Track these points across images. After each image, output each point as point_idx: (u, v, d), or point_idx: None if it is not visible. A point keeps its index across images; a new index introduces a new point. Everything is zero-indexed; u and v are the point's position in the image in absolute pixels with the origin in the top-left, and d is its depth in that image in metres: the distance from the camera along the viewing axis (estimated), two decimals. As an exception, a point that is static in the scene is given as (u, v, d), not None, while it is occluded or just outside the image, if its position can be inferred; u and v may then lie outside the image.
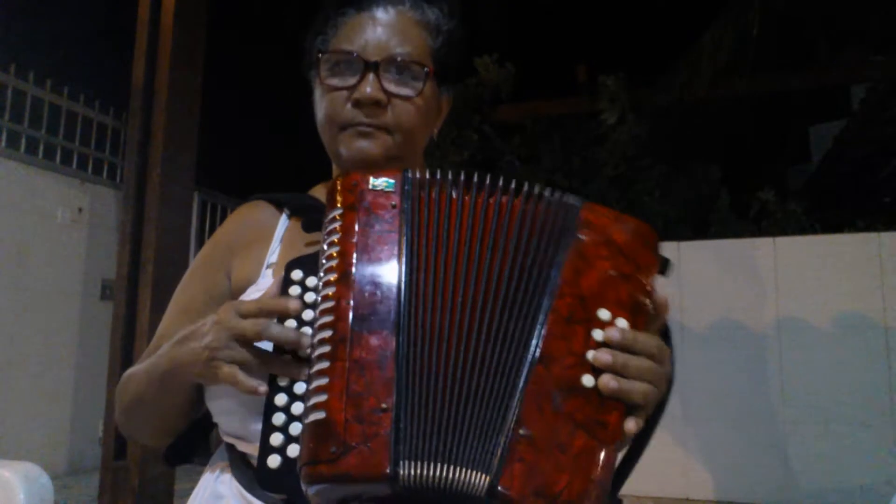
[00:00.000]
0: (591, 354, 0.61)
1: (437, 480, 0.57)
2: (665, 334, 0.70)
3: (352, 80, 0.79)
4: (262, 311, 0.65)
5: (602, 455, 0.58)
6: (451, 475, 0.57)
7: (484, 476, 0.57)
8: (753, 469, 3.74)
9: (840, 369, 3.66)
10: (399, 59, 0.79)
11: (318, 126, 0.85)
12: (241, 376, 0.64)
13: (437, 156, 5.45)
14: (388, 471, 0.56)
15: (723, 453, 3.80)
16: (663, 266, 0.69)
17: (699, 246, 4.11)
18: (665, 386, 0.66)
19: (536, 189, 0.69)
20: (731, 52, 4.44)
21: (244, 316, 0.65)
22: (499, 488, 0.56)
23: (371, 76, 0.78)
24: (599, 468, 0.58)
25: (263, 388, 0.64)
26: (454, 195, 0.68)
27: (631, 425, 0.61)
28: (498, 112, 5.84)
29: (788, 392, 3.75)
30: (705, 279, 3.95)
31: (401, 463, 0.56)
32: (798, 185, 7.34)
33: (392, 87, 0.79)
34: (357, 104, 0.79)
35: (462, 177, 0.69)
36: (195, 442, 0.83)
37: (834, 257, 3.79)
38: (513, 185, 0.69)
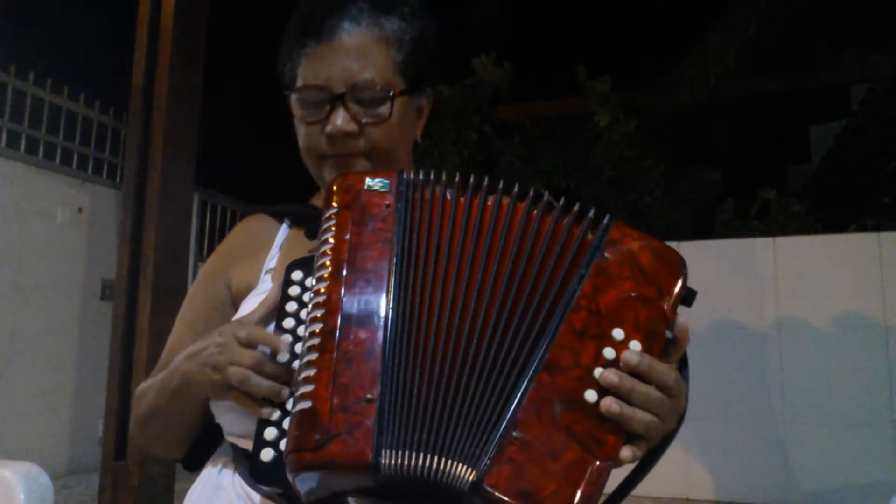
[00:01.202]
0: (598, 371, 0.61)
1: (420, 470, 0.57)
2: (682, 366, 0.70)
3: (322, 114, 0.81)
4: (257, 341, 0.67)
5: (594, 470, 0.58)
6: (435, 466, 0.57)
7: (470, 470, 0.57)
8: (753, 469, 3.74)
9: (840, 369, 3.66)
10: (364, 86, 0.80)
11: (300, 154, 0.86)
12: (247, 399, 0.66)
13: (436, 156, 5.45)
14: (370, 459, 0.56)
15: (723, 453, 3.80)
16: (689, 296, 0.69)
17: (699, 246, 4.11)
18: (675, 422, 0.66)
19: (544, 197, 0.69)
20: (735, 54, 4.44)
21: (241, 342, 0.67)
22: (484, 485, 0.56)
23: (340, 109, 0.80)
24: (589, 483, 0.57)
25: (267, 410, 0.65)
26: (449, 196, 0.69)
27: (627, 454, 0.60)
28: (497, 112, 5.84)
29: (788, 392, 3.75)
30: (705, 279, 3.95)
31: (383, 452, 0.57)
32: (798, 185, 7.33)
33: (361, 116, 0.80)
34: (330, 137, 0.80)
35: (457, 178, 0.70)
36: (212, 446, 0.85)
37: (834, 257, 3.79)
38: (515, 189, 0.69)
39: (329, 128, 0.80)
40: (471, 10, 5.97)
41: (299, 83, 0.82)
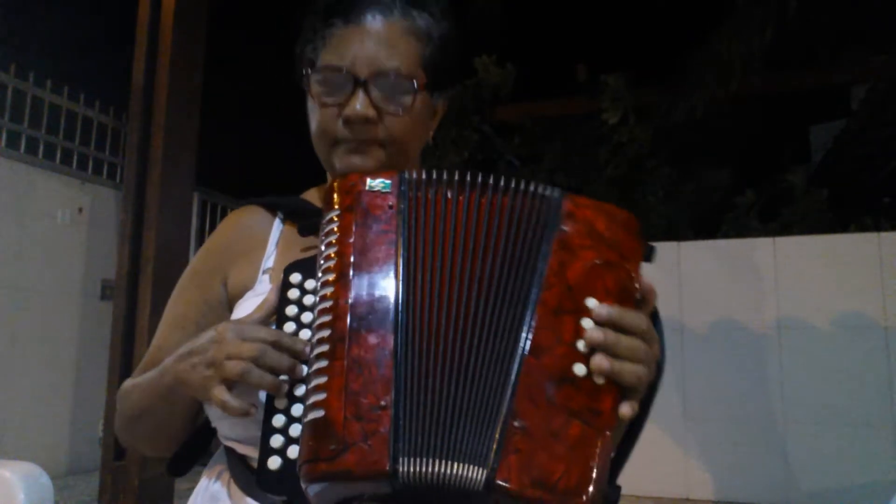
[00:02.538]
0: (580, 344, 0.61)
1: (436, 476, 0.57)
2: (654, 320, 0.70)
3: (341, 97, 0.79)
4: (264, 336, 0.65)
5: (598, 442, 0.59)
6: (449, 471, 0.57)
7: (481, 470, 0.57)
8: (753, 469, 3.74)
9: (840, 369, 3.66)
10: (388, 74, 0.78)
11: (311, 137, 0.84)
12: (230, 400, 0.64)
13: (437, 156, 5.45)
14: (387, 468, 0.56)
15: (723, 453, 3.80)
16: (648, 252, 0.69)
17: (699, 246, 4.11)
18: (654, 369, 0.66)
19: (521, 185, 0.69)
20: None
21: (245, 339, 0.65)
22: (497, 481, 0.56)
23: (361, 93, 0.78)
24: (596, 456, 0.58)
25: (253, 410, 0.64)
26: (449, 195, 0.69)
27: (626, 409, 0.61)
28: (498, 112, 5.84)
29: (788, 392, 3.75)
30: (705, 279, 3.95)
31: (400, 460, 0.57)
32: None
33: (382, 103, 0.78)
34: (347, 121, 0.79)
35: (457, 176, 0.69)
36: (197, 451, 0.83)
37: (834, 257, 3.79)
38: (502, 183, 0.69)
39: (348, 111, 0.78)
40: (471, 10, 5.98)
41: (321, 63, 0.80)
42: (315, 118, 0.82)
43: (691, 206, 5.31)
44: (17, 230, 3.88)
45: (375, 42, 0.78)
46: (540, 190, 0.69)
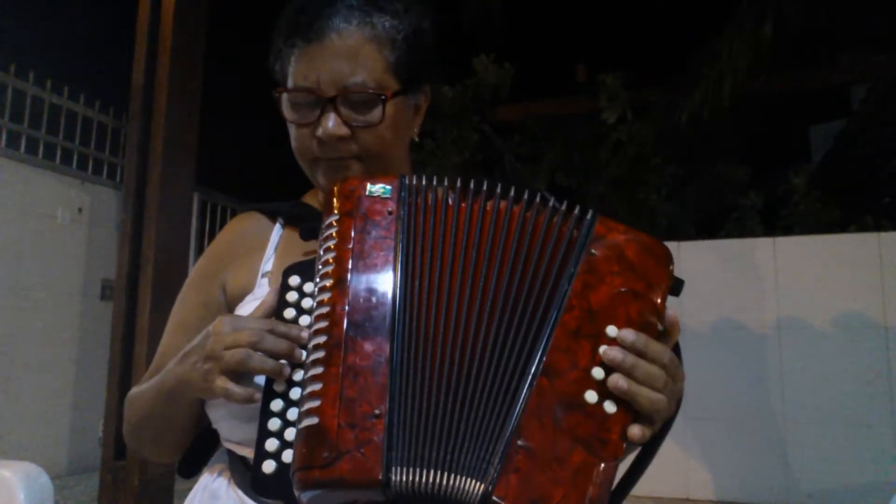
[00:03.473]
0: (596, 370, 0.60)
1: (430, 487, 0.57)
2: (675, 355, 0.69)
3: (312, 117, 0.78)
4: (259, 325, 0.66)
5: (600, 472, 0.58)
6: (445, 482, 0.57)
7: (479, 484, 0.56)
8: (753, 469, 3.74)
9: (840, 369, 3.66)
10: (355, 89, 0.77)
11: (293, 152, 0.84)
12: (234, 388, 0.64)
13: (438, 156, 5.45)
14: (380, 477, 0.56)
15: (723, 453, 3.80)
16: (676, 286, 0.68)
17: (699, 246, 4.11)
18: (674, 404, 0.65)
19: (538, 197, 0.68)
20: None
21: (241, 329, 0.66)
22: (493, 497, 0.55)
23: (331, 113, 0.77)
24: (597, 485, 0.57)
25: (258, 395, 0.64)
26: (450, 201, 0.68)
27: (635, 431, 0.60)
28: (498, 112, 5.84)
29: (788, 392, 3.75)
30: (705, 279, 3.95)
31: (393, 469, 0.56)
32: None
33: (353, 119, 0.78)
34: (321, 141, 0.78)
35: (458, 182, 0.69)
36: (207, 451, 0.83)
37: (834, 257, 3.79)
38: (512, 192, 0.68)
39: (320, 131, 0.77)
40: (470, 10, 5.98)
41: (289, 84, 0.80)
42: (292, 137, 0.82)
43: (694, 205, 5.31)
44: (17, 230, 3.88)
45: (338, 58, 0.77)
46: (568, 208, 0.68)
